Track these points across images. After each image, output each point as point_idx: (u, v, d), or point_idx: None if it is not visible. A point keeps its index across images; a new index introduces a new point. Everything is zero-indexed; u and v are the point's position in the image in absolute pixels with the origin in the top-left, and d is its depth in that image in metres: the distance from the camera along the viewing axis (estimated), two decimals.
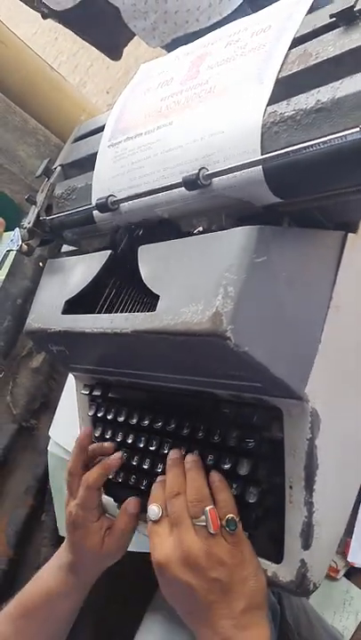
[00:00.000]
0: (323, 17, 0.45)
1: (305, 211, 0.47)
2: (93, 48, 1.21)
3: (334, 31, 0.43)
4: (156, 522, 0.50)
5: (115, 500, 0.64)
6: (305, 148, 0.39)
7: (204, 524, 0.47)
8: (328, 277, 0.47)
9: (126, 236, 0.56)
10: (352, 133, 0.37)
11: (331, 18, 0.43)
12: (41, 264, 0.96)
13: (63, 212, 0.62)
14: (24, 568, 0.94)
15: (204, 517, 0.47)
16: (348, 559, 0.50)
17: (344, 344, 0.48)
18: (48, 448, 0.88)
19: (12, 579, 0.92)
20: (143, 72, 0.62)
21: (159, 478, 0.54)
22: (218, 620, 0.45)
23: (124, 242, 0.56)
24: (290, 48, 0.45)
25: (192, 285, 0.45)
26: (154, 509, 0.51)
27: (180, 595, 0.48)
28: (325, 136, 0.38)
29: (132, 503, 0.60)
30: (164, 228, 0.53)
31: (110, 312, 0.55)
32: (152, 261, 0.51)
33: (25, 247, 0.63)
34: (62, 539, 0.75)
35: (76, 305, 0.58)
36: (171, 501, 0.50)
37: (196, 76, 0.52)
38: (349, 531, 0.52)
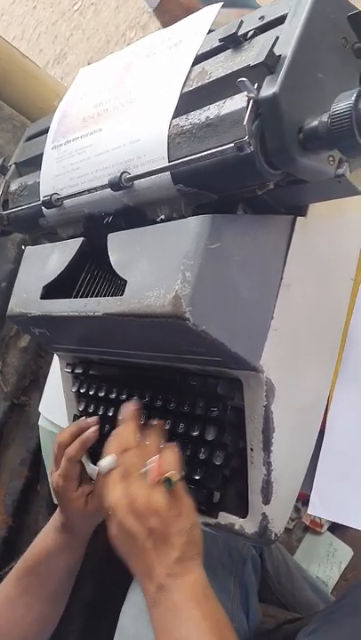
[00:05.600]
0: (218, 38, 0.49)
1: (257, 198, 0.51)
2: (72, 17, 1.21)
3: (225, 52, 0.48)
4: (107, 473, 0.54)
5: None
6: (198, 158, 0.45)
7: (147, 474, 0.51)
8: (279, 259, 0.51)
9: (97, 224, 0.60)
10: (230, 148, 0.42)
11: (220, 42, 0.48)
12: (23, 247, 1.00)
13: (17, 207, 0.67)
14: (23, 534, 1.00)
15: (147, 468, 0.52)
16: (309, 512, 0.56)
17: (295, 319, 0.53)
18: (39, 423, 0.94)
19: (13, 544, 0.98)
20: (82, 77, 0.66)
21: (114, 432, 0.58)
22: (153, 566, 0.49)
23: (94, 230, 0.60)
24: (192, 65, 0.50)
25: (155, 271, 0.49)
26: (107, 460, 0.54)
27: (124, 539, 0.52)
28: (212, 149, 0.44)
29: None
30: (131, 215, 0.57)
31: (85, 296, 0.59)
32: (120, 248, 0.55)
33: None
34: (57, 506, 0.81)
35: (53, 290, 0.62)
36: (121, 455, 0.54)
37: (122, 86, 0.57)
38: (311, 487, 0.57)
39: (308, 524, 1.30)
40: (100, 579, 0.96)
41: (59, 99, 0.70)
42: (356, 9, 0.44)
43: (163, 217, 0.54)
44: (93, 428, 0.65)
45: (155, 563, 0.49)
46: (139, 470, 0.52)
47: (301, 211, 0.53)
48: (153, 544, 0.50)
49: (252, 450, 0.53)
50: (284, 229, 0.52)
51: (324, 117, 0.40)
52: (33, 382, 1.02)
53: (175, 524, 0.50)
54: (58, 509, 0.69)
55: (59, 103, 0.69)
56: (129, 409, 0.58)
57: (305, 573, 1.01)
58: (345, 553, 1.28)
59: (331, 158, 0.44)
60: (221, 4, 0.53)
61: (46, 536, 0.69)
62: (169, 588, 0.49)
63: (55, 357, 0.94)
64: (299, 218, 0.52)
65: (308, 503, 0.57)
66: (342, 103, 0.39)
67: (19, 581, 0.69)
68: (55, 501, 0.95)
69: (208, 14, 0.53)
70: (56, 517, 0.69)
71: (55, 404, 0.87)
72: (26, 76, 0.99)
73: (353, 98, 0.39)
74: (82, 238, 0.61)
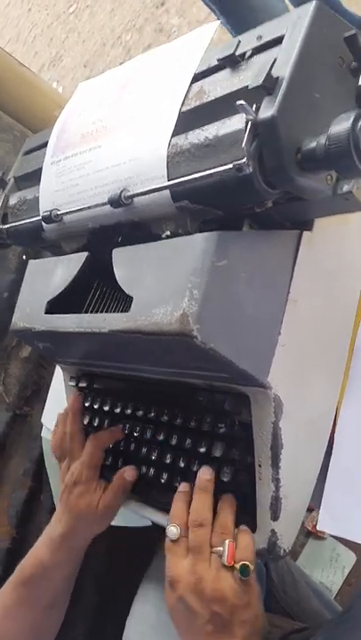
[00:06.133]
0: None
1: (263, 213, 0.51)
2: (67, 19, 1.20)
3: (223, 72, 0.49)
4: (174, 541, 0.52)
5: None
6: (197, 178, 0.46)
7: (220, 555, 0.49)
8: (285, 274, 0.51)
9: (101, 239, 0.60)
10: (228, 169, 0.43)
11: (218, 61, 0.48)
12: (24, 257, 1.00)
13: (16, 221, 0.67)
14: (27, 545, 0.99)
15: (221, 549, 0.49)
16: (318, 528, 0.56)
17: (302, 334, 0.53)
18: (41, 434, 0.93)
19: (16, 555, 0.98)
20: (80, 92, 0.66)
21: (180, 490, 0.56)
22: None
23: (99, 244, 0.60)
24: (191, 83, 0.51)
25: (162, 288, 0.49)
26: (173, 530, 0.52)
27: (182, 613, 0.50)
28: (211, 169, 0.45)
29: (129, 471, 0.64)
30: (136, 230, 0.57)
31: (90, 311, 0.59)
32: (126, 264, 0.55)
33: None
34: None
35: (57, 305, 0.62)
36: (194, 530, 0.51)
37: (120, 103, 0.57)
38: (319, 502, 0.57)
39: (310, 529, 1.30)
40: (105, 584, 0.96)
41: (59, 108, 0.70)
42: (352, 29, 0.45)
43: (168, 233, 0.53)
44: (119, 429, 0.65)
45: None
46: (210, 548, 0.50)
47: (307, 225, 0.53)
48: (213, 628, 0.47)
49: (260, 466, 0.53)
50: (291, 244, 0.52)
51: (322, 139, 0.41)
52: (35, 392, 1.01)
53: (241, 614, 0.48)
54: (55, 518, 0.67)
55: (59, 113, 0.69)
56: (204, 477, 0.54)
57: (308, 579, 1.01)
58: (348, 558, 1.28)
59: (329, 177, 0.44)
60: (219, 22, 0.53)
61: (42, 547, 0.67)
62: None
63: (57, 368, 0.93)
64: (305, 232, 0.52)
65: (310, 509, 0.57)
66: (340, 126, 0.40)
67: (14, 592, 0.67)
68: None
69: (207, 32, 0.53)
70: (53, 527, 0.67)
71: (58, 415, 0.87)
72: (25, 85, 0.99)
73: (350, 121, 0.40)
74: (86, 253, 0.60)
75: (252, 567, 0.49)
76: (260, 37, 0.47)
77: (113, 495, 0.63)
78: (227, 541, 0.49)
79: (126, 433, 0.64)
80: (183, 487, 0.56)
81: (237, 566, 0.48)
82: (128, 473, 0.64)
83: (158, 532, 0.61)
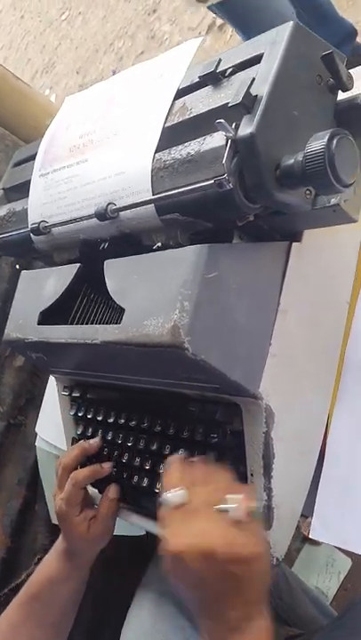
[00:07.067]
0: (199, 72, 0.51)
1: (253, 225, 0.51)
2: (60, 26, 1.21)
3: (205, 89, 0.50)
4: (174, 508, 0.48)
5: (99, 492, 0.69)
6: (180, 192, 0.47)
7: (228, 511, 0.45)
8: (275, 285, 0.52)
9: (92, 250, 0.60)
10: (210, 185, 0.44)
11: (199, 78, 0.49)
12: (17, 266, 1.00)
13: (6, 233, 0.68)
14: (22, 555, 0.99)
15: (225, 506, 0.46)
16: (310, 536, 0.56)
17: (292, 345, 0.53)
18: (36, 443, 0.93)
19: (11, 565, 0.98)
20: (68, 106, 0.67)
21: (169, 461, 0.53)
22: (228, 610, 0.45)
23: (90, 255, 0.60)
24: (174, 99, 0.51)
25: (153, 300, 0.50)
26: (181, 493, 0.48)
27: (192, 583, 0.47)
28: (194, 184, 0.46)
29: (112, 490, 0.65)
30: (127, 242, 0.57)
31: (82, 322, 0.59)
32: (117, 276, 0.55)
33: None
34: (56, 526, 0.80)
35: (50, 316, 0.62)
36: (194, 489, 0.48)
37: (106, 117, 0.58)
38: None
39: (306, 534, 1.30)
40: (100, 595, 0.95)
41: (51, 118, 0.71)
42: (330, 48, 0.45)
43: (159, 244, 0.54)
44: (108, 465, 0.65)
45: (230, 606, 0.45)
46: (211, 507, 0.46)
47: (297, 236, 0.53)
48: (230, 587, 0.45)
49: (252, 475, 0.53)
50: (280, 256, 0.52)
51: (300, 156, 0.42)
52: (29, 401, 1.01)
53: (257, 565, 0.45)
54: (60, 536, 0.69)
55: (51, 122, 0.69)
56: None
57: (305, 586, 1.01)
58: (344, 563, 1.28)
59: (307, 192, 0.46)
60: (202, 38, 0.54)
61: (49, 563, 0.69)
62: (243, 630, 0.45)
63: (51, 377, 0.93)
64: (294, 243, 0.53)
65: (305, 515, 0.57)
66: (316, 144, 0.41)
67: (22, 608, 0.68)
68: (54, 521, 0.96)
69: (190, 48, 0.54)
70: (58, 544, 0.69)
71: (52, 424, 0.87)
72: (18, 95, 1.00)
73: (326, 139, 0.41)
74: (78, 264, 0.61)
75: (260, 507, 0.48)
76: (240, 56, 0.48)
77: (102, 521, 0.64)
78: (235, 496, 0.46)
79: (120, 442, 0.65)
80: (172, 460, 0.53)
81: (250, 512, 0.46)
82: (111, 491, 0.65)
83: (152, 540, 0.61)
